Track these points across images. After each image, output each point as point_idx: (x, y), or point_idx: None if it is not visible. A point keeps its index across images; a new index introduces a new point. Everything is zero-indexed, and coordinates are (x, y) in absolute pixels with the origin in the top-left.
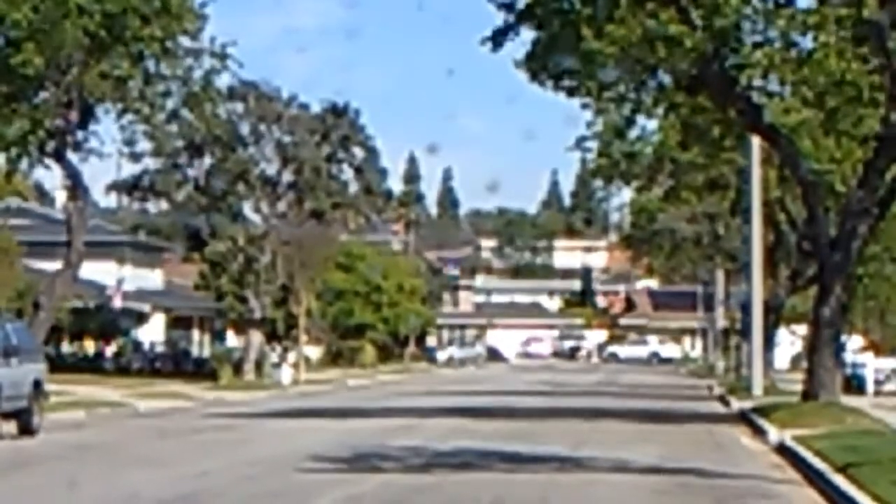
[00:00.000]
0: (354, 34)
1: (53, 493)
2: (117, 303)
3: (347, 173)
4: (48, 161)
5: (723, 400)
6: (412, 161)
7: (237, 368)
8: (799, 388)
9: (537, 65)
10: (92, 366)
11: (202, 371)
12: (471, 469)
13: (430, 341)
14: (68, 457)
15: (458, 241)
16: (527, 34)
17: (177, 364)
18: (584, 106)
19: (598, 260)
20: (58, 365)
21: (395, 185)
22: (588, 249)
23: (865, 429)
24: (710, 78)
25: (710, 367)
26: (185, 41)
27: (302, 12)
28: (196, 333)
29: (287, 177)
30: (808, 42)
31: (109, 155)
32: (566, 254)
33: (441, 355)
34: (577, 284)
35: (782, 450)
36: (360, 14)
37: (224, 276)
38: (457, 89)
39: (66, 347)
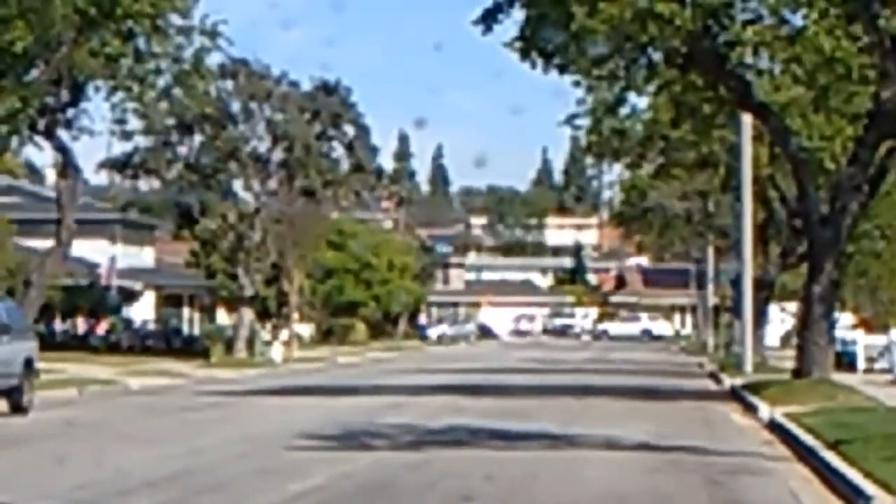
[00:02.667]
0: (340, 8)
1: (43, 471)
2: (110, 281)
3: (338, 151)
4: (38, 139)
5: (714, 377)
6: (403, 138)
7: (228, 346)
8: (790, 365)
9: (528, 44)
10: (83, 344)
11: (193, 349)
12: (462, 446)
13: (422, 319)
14: (59, 435)
15: (449, 218)
16: (517, 14)
17: (168, 342)
18: (577, 84)
19: (589, 237)
20: (49, 343)
21: (387, 162)
22: (579, 227)
23: (856, 405)
24: (701, 55)
25: (701, 344)
26: (175, 19)
27: None
28: (187, 311)
29: (278, 154)
30: (798, 19)
31: (100, 133)
32: (557, 231)
33: (432, 333)
34: (568, 262)
35: (773, 426)
36: None
37: (215, 254)
38: (446, 65)
39: (57, 325)
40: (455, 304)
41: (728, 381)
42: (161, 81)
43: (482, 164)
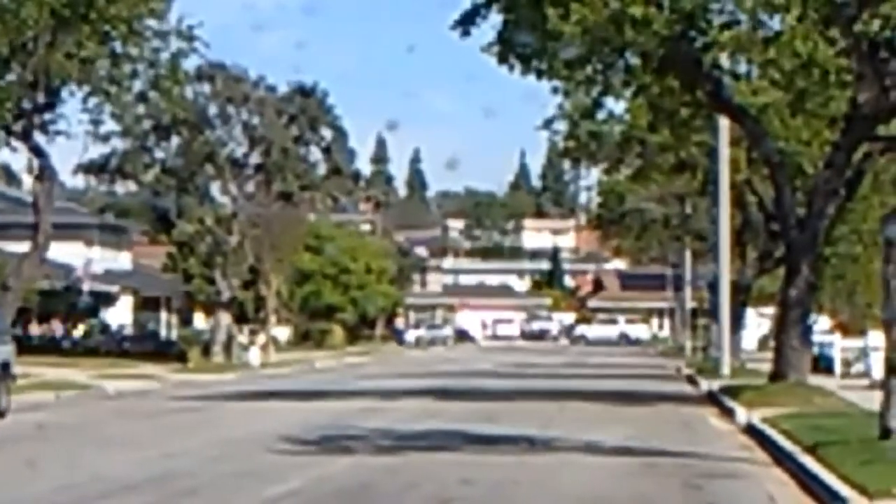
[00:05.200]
0: (312, 11)
1: (21, 475)
2: (86, 285)
3: (315, 154)
4: (15, 142)
5: (691, 380)
6: (380, 142)
7: (205, 350)
8: (767, 368)
9: (505, 48)
10: (60, 348)
11: (170, 353)
12: (440, 450)
13: (399, 323)
14: (36, 439)
15: (426, 222)
16: (494, 18)
17: (145, 346)
18: (554, 90)
19: (566, 241)
20: (26, 347)
21: (364, 166)
22: (557, 230)
23: (833, 409)
24: (677, 59)
25: (678, 348)
26: (151, 22)
27: None
28: (164, 315)
29: (255, 158)
30: (775, 23)
31: (76, 136)
32: (535, 235)
33: (409, 336)
34: (545, 265)
35: (750, 430)
36: None
37: (192, 258)
38: (423, 69)
39: (34, 329)
40: (432, 308)
41: (705, 385)
42: (137, 84)
43: (453, 166)
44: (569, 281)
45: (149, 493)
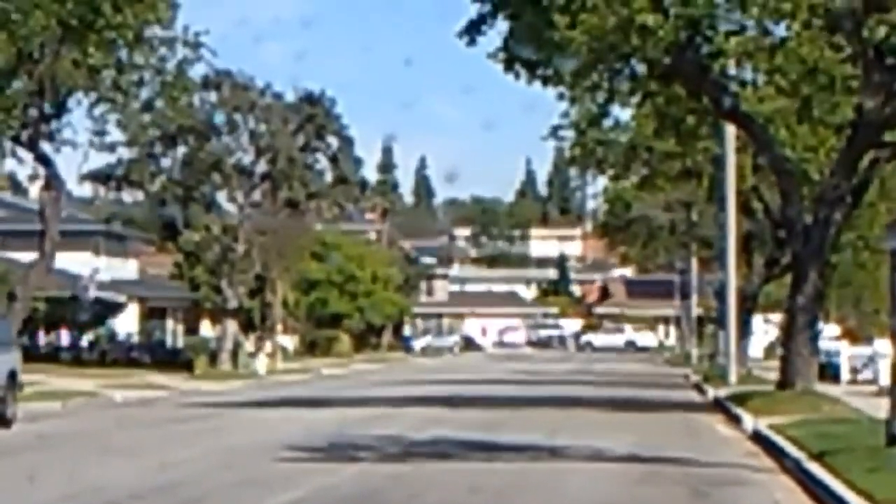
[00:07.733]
0: (310, 23)
1: (28, 483)
2: (91, 292)
3: (322, 162)
4: (21, 151)
5: (698, 388)
6: (387, 150)
7: (212, 358)
8: (774, 376)
9: (511, 56)
10: (67, 356)
11: (177, 361)
12: (447, 458)
13: (406, 330)
14: (42, 447)
15: (433, 229)
16: (500, 25)
17: (152, 354)
18: (560, 96)
19: (573, 248)
20: (33, 355)
21: (371, 174)
22: (563, 238)
23: (840, 417)
24: (683, 66)
25: (685, 356)
26: (158, 31)
27: (257, 4)
28: (171, 323)
29: (262, 166)
30: (782, 30)
31: (83, 145)
32: (542, 242)
33: (417, 344)
34: (552, 273)
35: (757, 437)
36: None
37: (199, 266)
38: (429, 76)
39: (41, 338)
40: (439, 316)
41: (712, 392)
42: (144, 93)
43: (452, 179)
44: (575, 288)
45: (154, 502)
